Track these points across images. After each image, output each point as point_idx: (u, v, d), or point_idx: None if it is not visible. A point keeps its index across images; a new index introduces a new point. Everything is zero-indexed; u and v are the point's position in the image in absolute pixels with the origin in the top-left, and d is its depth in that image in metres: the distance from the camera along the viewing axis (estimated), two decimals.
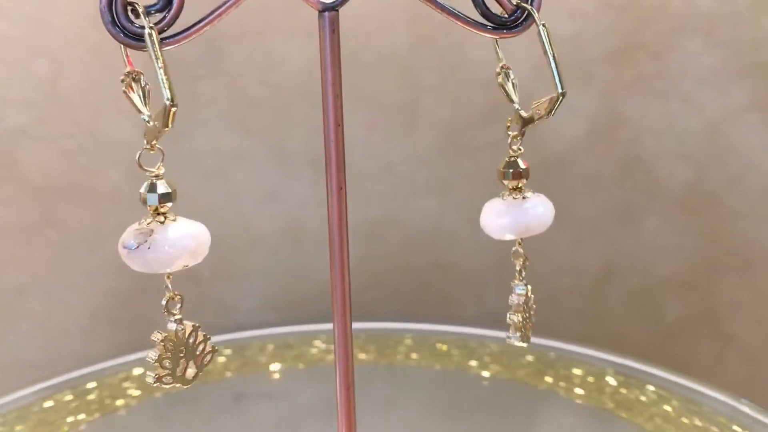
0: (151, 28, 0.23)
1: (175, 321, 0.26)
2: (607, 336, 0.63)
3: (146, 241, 0.25)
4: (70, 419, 0.47)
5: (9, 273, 0.57)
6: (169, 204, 0.25)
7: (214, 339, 0.56)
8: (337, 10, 0.26)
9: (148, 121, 0.24)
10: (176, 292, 0.26)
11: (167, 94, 0.23)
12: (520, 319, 0.30)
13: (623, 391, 0.49)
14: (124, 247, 0.25)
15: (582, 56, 0.57)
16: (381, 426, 0.47)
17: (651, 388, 0.48)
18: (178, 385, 0.26)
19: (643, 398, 0.47)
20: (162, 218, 0.25)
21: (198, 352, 0.26)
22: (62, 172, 0.56)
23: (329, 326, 0.56)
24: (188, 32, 0.25)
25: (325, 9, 0.26)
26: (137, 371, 0.52)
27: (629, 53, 0.57)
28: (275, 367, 0.53)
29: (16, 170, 0.56)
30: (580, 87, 0.58)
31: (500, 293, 0.63)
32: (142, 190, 0.25)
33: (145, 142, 0.25)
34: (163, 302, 0.26)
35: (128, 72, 0.24)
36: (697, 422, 0.45)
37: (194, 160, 0.57)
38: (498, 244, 0.61)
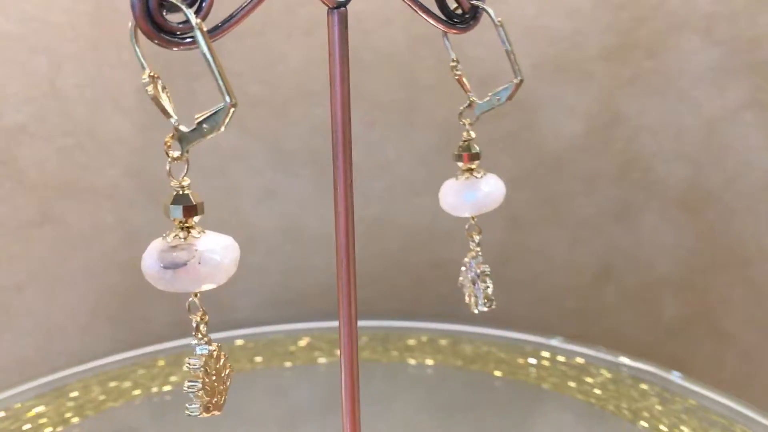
0: (198, 22, 0.21)
1: (206, 342, 0.24)
2: (604, 334, 0.63)
3: (194, 256, 0.22)
4: (67, 415, 0.47)
5: (7, 270, 0.57)
6: (197, 218, 0.23)
7: (213, 336, 0.56)
8: (346, 7, 0.26)
9: (178, 126, 0.23)
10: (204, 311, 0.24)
11: (224, 91, 0.22)
12: (488, 286, 0.32)
13: (620, 389, 0.49)
14: (168, 267, 0.22)
15: (580, 54, 0.57)
16: (380, 422, 0.47)
17: (646, 386, 0.48)
18: (216, 412, 0.24)
19: (638, 396, 0.48)
20: (187, 233, 0.23)
21: (224, 374, 0.25)
22: (60, 169, 0.56)
23: (327, 324, 0.56)
24: (228, 24, 0.24)
25: (337, 6, 0.26)
26: (136, 369, 0.52)
27: (627, 51, 0.57)
28: (273, 364, 0.53)
29: (14, 167, 0.55)
30: (579, 85, 0.58)
31: (497, 291, 0.63)
32: (167, 202, 0.23)
33: (167, 147, 0.23)
34: (195, 323, 0.24)
35: (151, 75, 0.23)
36: (694, 421, 0.45)
37: (192, 158, 0.57)
38: (495, 243, 0.61)
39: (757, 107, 0.58)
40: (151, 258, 0.23)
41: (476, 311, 0.32)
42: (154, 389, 0.50)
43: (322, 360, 0.53)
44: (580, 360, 0.52)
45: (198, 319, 0.24)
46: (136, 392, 0.50)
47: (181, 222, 0.23)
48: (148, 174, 0.57)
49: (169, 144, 0.23)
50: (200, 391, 0.24)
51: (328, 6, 0.26)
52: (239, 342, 0.55)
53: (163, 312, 0.60)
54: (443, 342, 0.55)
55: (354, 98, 0.65)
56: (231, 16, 0.24)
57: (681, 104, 0.58)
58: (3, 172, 0.55)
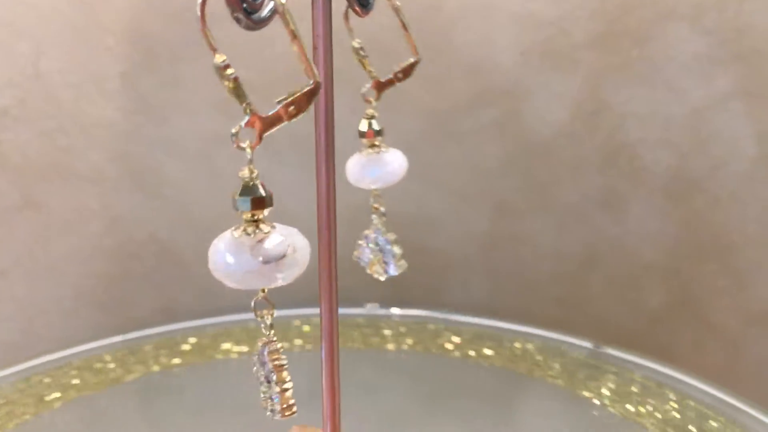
0: (282, 2, 0.21)
1: (274, 339, 0.24)
2: (589, 322, 0.63)
3: (288, 248, 0.22)
4: (48, 398, 0.47)
5: None
6: (266, 211, 0.23)
7: (197, 323, 0.56)
8: None
9: (248, 110, 0.22)
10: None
11: (314, 71, 0.21)
12: (399, 252, 0.34)
13: (603, 377, 0.49)
14: (269, 261, 0.22)
15: (567, 41, 0.57)
16: (365, 409, 0.47)
17: (632, 375, 0.49)
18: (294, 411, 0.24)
19: (623, 385, 0.48)
20: (256, 226, 0.22)
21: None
22: (43, 153, 0.56)
23: (311, 311, 0.56)
24: None
25: None
26: (120, 354, 0.52)
27: (614, 39, 0.57)
28: (256, 351, 0.53)
29: None
30: (566, 72, 0.58)
31: (486, 278, 0.63)
32: (235, 194, 0.22)
33: (234, 137, 0.22)
34: (267, 320, 0.24)
35: (224, 62, 0.22)
36: (675, 410, 0.45)
37: (177, 143, 0.57)
38: (481, 231, 0.61)
39: (744, 96, 0.58)
40: (238, 254, 0.22)
41: (384, 278, 0.34)
42: (139, 375, 0.50)
43: (309, 347, 0.53)
44: (563, 348, 0.52)
45: (269, 315, 0.24)
46: (120, 378, 0.50)
47: (253, 215, 0.22)
48: (132, 158, 0.57)
49: (236, 132, 0.22)
50: (282, 392, 0.23)
51: None
52: (223, 327, 0.55)
53: (147, 297, 0.59)
54: (428, 329, 0.55)
55: (339, 84, 0.65)
56: None
57: (668, 92, 0.58)
58: None
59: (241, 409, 0.47)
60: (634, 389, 0.47)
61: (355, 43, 0.33)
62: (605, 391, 0.47)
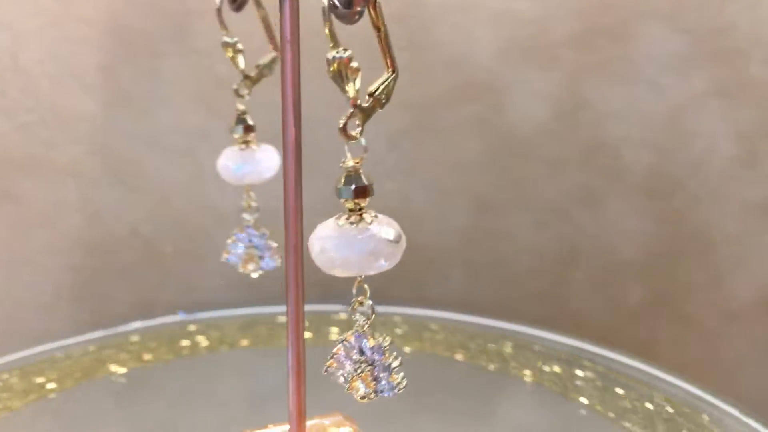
0: None
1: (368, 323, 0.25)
2: (569, 318, 0.63)
3: (393, 235, 0.23)
4: (31, 396, 0.46)
5: None
6: (368, 199, 0.24)
7: (175, 318, 0.55)
8: None
9: (359, 102, 0.22)
10: None
11: (394, 61, 0.23)
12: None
13: (583, 374, 0.49)
14: (376, 247, 0.23)
15: (547, 39, 0.57)
16: (345, 405, 0.47)
17: (609, 372, 0.49)
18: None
19: (600, 383, 0.48)
20: (359, 215, 0.23)
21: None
22: (22, 145, 0.55)
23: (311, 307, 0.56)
24: None
25: None
26: (100, 349, 0.51)
27: (594, 37, 0.58)
28: (239, 345, 0.53)
29: None
30: (545, 70, 0.58)
31: (466, 274, 0.63)
32: (339, 184, 0.23)
33: (342, 129, 0.23)
34: (368, 305, 0.25)
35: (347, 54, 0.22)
36: (653, 406, 0.45)
37: (158, 138, 0.57)
38: (460, 227, 0.61)
39: (722, 95, 0.59)
40: (344, 242, 0.23)
41: (257, 274, 0.34)
42: (119, 369, 0.50)
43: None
44: (542, 345, 0.52)
45: (366, 300, 0.24)
46: (100, 373, 0.49)
47: (356, 203, 0.23)
48: (112, 152, 0.57)
49: (345, 122, 0.23)
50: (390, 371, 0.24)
51: None
52: (204, 323, 0.55)
53: (126, 291, 0.59)
54: (410, 325, 0.55)
55: (321, 79, 0.65)
56: None
57: (647, 91, 0.59)
58: None
59: (224, 403, 0.47)
60: (612, 386, 0.48)
61: (227, 38, 0.34)
62: (583, 387, 0.48)
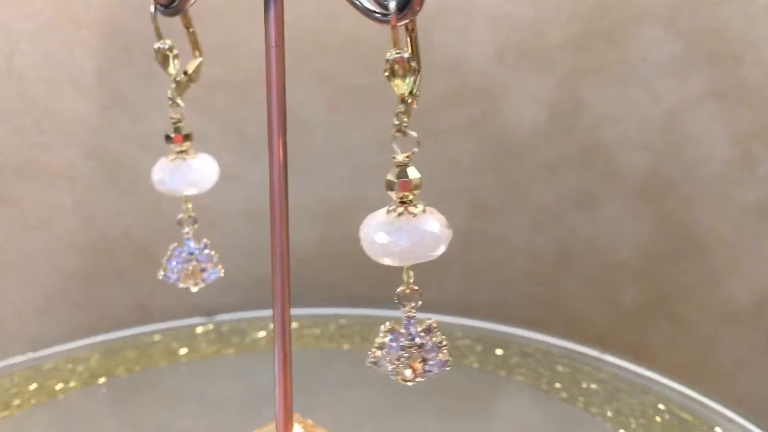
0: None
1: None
2: (564, 321, 0.64)
3: (441, 226, 0.25)
4: (19, 402, 0.46)
5: None
6: (417, 192, 0.25)
7: (170, 324, 0.55)
8: None
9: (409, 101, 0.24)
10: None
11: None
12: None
13: (576, 376, 0.49)
14: (426, 237, 0.24)
15: (543, 42, 0.57)
16: (341, 406, 0.47)
17: (603, 374, 0.49)
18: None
19: (594, 385, 0.48)
20: (405, 207, 0.25)
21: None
22: (17, 149, 0.55)
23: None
24: None
25: None
26: (94, 353, 0.51)
27: (590, 40, 0.58)
28: (234, 351, 0.53)
29: None
30: (542, 73, 0.58)
31: (462, 277, 0.63)
32: (390, 176, 0.25)
33: (399, 124, 0.24)
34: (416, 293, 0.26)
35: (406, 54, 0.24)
36: (649, 408, 0.46)
37: (152, 140, 0.57)
38: (456, 229, 0.61)
39: (717, 98, 0.59)
40: (396, 232, 0.24)
41: (196, 288, 0.34)
42: (114, 374, 0.50)
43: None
44: (536, 347, 0.52)
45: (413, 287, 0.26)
46: (95, 378, 0.49)
47: (406, 195, 0.24)
48: (106, 155, 0.57)
49: (400, 120, 0.24)
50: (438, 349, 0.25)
51: None
52: (199, 329, 0.55)
53: (121, 295, 0.59)
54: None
55: (318, 81, 0.65)
56: None
57: (643, 94, 0.59)
58: None
59: (218, 406, 0.47)
60: (608, 388, 0.48)
61: (160, 44, 0.33)
62: (579, 390, 0.48)
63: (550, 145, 0.60)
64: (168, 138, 0.33)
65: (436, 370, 0.26)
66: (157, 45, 0.32)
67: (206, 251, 0.34)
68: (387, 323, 0.26)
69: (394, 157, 0.24)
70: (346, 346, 0.54)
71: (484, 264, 0.63)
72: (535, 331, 0.54)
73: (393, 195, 0.25)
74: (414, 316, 0.26)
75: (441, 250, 0.25)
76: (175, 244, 0.34)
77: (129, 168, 0.57)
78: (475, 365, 0.51)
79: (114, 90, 0.55)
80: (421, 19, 0.63)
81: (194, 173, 0.33)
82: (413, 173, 0.25)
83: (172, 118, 0.33)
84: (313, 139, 0.59)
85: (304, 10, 0.55)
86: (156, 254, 0.59)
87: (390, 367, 0.26)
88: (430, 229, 0.25)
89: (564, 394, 0.48)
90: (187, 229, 0.34)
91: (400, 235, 0.24)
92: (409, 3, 0.23)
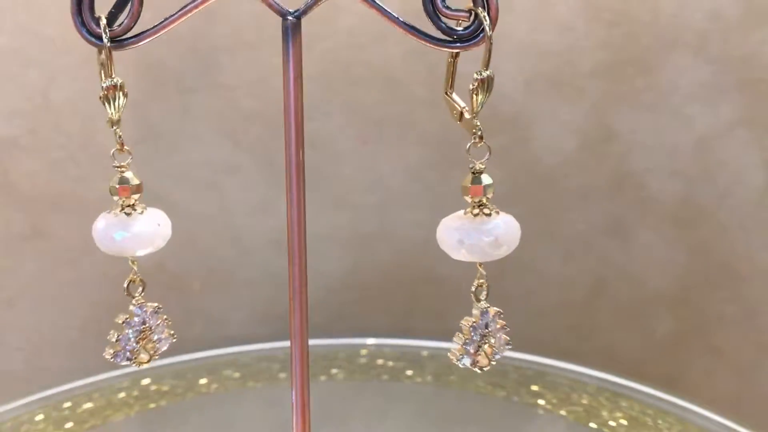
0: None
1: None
2: (597, 351, 0.63)
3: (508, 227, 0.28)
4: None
5: None
6: (489, 195, 0.28)
7: (205, 354, 0.55)
8: (299, 19, 0.27)
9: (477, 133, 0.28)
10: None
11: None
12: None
13: (610, 408, 0.49)
14: (511, 231, 0.28)
15: (573, 70, 0.58)
16: None
17: (639, 405, 0.49)
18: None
19: (630, 415, 0.48)
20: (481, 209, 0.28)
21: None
22: (52, 182, 0.56)
23: (317, 342, 0.56)
24: (149, 32, 0.26)
25: (285, 16, 0.27)
26: (123, 385, 0.52)
27: (620, 68, 0.58)
28: (263, 381, 0.53)
29: (6, 181, 0.56)
30: (572, 101, 0.58)
31: (493, 306, 0.63)
32: (465, 183, 0.28)
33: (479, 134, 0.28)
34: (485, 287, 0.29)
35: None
36: None
37: (185, 172, 0.57)
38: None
39: (749, 124, 0.58)
40: (471, 232, 0.28)
41: (144, 365, 0.29)
42: (151, 405, 0.50)
43: (321, 377, 0.53)
44: (569, 378, 0.52)
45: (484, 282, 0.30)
46: (126, 410, 0.50)
47: (480, 200, 0.28)
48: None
49: (479, 132, 0.28)
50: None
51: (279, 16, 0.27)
52: (230, 358, 0.55)
53: None
54: (432, 358, 0.55)
55: (347, 113, 0.65)
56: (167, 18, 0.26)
57: (674, 121, 0.59)
58: None
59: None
60: (642, 418, 0.47)
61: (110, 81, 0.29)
62: (613, 422, 0.47)
63: (581, 173, 0.60)
64: (113, 190, 0.28)
65: (501, 352, 0.30)
66: (106, 83, 0.28)
67: (157, 315, 0.30)
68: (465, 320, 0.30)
69: (472, 165, 0.28)
70: (376, 376, 0.53)
71: (515, 293, 0.62)
72: (568, 362, 0.53)
73: (468, 199, 0.28)
74: (486, 306, 0.30)
75: (513, 246, 0.29)
76: (126, 315, 0.30)
77: (163, 200, 0.58)
78: (506, 395, 0.51)
79: (148, 123, 0.56)
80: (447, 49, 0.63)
81: (143, 229, 0.29)
82: (486, 179, 0.28)
83: (119, 168, 0.28)
84: (342, 170, 0.59)
85: (334, 42, 0.56)
86: (189, 286, 0.59)
87: (468, 362, 0.29)
88: (503, 229, 0.28)
89: (594, 425, 0.47)
90: (137, 295, 0.30)
91: (475, 233, 0.28)
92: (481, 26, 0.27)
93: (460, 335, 0.29)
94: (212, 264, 0.60)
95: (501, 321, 0.30)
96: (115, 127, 0.28)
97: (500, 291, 0.63)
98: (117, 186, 0.28)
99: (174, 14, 0.26)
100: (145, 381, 0.52)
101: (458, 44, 0.28)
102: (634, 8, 0.57)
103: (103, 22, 0.26)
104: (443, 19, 0.27)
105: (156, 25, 0.26)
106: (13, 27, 0.53)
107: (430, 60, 0.57)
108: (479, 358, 0.29)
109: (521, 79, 0.58)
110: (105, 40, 0.26)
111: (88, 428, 0.47)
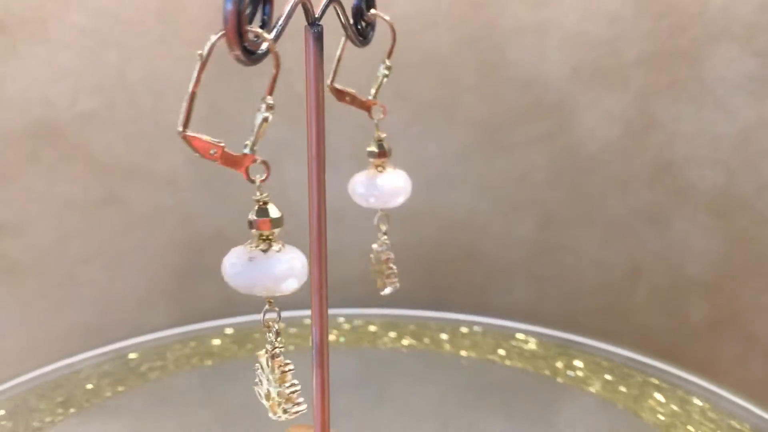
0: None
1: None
2: (631, 333, 0.64)
3: None
4: (120, 388, 0.50)
5: (76, 244, 0.61)
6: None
7: (252, 317, 0.57)
8: (320, 26, 0.28)
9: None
10: None
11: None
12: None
13: (643, 388, 0.50)
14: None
15: (619, 60, 0.59)
16: (410, 399, 0.49)
17: (671, 387, 0.49)
18: None
19: (661, 398, 0.48)
20: None
21: None
22: (126, 154, 0.60)
23: (363, 311, 0.58)
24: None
25: (311, 23, 0.28)
26: (188, 342, 0.55)
27: (666, 58, 0.58)
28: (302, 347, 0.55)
29: (86, 150, 0.59)
30: (616, 90, 0.59)
31: (528, 284, 0.65)
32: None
33: None
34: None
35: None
36: (712, 424, 0.46)
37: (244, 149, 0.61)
38: (530, 239, 0.63)
39: None
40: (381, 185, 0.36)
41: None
42: (205, 363, 0.53)
43: (365, 345, 0.56)
44: (603, 357, 0.53)
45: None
46: (188, 363, 0.53)
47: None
48: (204, 162, 0.61)
49: None
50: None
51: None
52: (281, 324, 0.58)
53: (213, 290, 0.63)
54: (471, 333, 0.57)
55: (396, 97, 0.68)
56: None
57: (717, 112, 0.59)
58: (75, 155, 0.59)
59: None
60: (672, 404, 0.48)
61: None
62: (645, 404, 0.48)
63: (623, 160, 0.61)
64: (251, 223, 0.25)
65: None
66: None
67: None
68: None
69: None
70: (414, 345, 0.55)
71: (552, 274, 0.64)
72: (603, 342, 0.54)
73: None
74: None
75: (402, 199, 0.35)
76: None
77: (223, 173, 0.61)
78: (544, 371, 0.52)
79: (212, 103, 0.59)
80: (496, 37, 0.65)
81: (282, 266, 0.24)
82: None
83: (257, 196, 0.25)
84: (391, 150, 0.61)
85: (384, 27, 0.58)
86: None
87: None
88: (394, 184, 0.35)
89: (629, 405, 0.48)
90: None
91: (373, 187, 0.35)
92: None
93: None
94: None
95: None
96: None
97: (536, 271, 0.64)
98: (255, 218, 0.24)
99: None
100: (200, 339, 0.56)
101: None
102: (683, 1, 0.57)
103: (259, 31, 0.22)
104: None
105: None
106: (94, 10, 0.57)
107: (478, 47, 0.59)
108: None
109: (568, 67, 0.59)
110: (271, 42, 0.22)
111: (146, 381, 0.51)
